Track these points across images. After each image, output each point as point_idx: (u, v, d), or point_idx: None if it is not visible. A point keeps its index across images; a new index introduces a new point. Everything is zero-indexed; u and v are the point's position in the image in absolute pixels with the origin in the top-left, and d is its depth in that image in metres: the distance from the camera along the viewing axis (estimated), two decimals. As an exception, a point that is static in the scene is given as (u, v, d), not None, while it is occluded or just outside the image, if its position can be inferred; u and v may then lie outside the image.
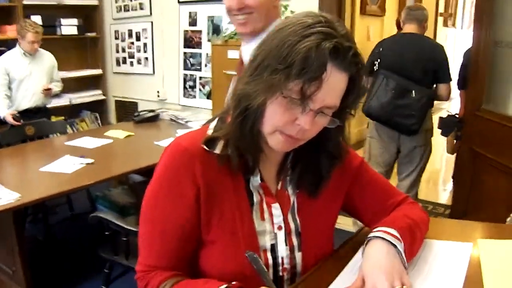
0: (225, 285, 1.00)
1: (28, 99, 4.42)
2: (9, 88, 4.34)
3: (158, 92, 5.21)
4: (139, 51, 5.41)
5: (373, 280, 1.02)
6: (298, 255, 1.17)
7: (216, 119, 1.15)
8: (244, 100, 1.00)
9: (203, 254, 1.13)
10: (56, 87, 4.71)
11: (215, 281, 1.04)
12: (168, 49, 5.13)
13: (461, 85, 3.83)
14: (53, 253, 3.84)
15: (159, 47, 5.22)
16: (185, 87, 5.03)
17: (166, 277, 1.08)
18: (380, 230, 1.12)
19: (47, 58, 4.60)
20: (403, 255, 1.08)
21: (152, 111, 4.80)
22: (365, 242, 1.13)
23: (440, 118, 3.75)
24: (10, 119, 4.21)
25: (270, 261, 1.13)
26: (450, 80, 3.45)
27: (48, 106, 4.86)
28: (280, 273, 1.15)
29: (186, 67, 4.99)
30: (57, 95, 5.03)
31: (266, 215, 1.14)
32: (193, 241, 1.11)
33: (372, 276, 1.03)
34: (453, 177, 5.31)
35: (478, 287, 1.07)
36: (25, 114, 4.35)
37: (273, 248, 1.14)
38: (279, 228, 1.15)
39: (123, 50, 5.63)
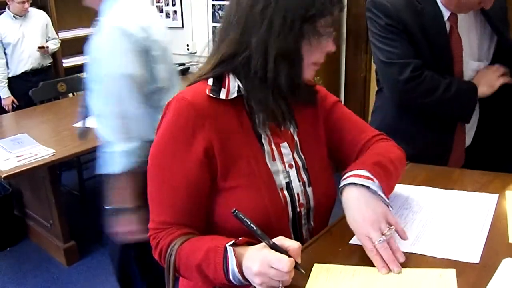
0: (232, 241, 0.99)
1: (24, 62, 4.31)
2: (5, 53, 4.25)
3: (187, 45, 5.18)
4: (167, 4, 5.35)
5: (362, 234, 1.03)
6: (309, 190, 1.21)
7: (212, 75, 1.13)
8: (286, 56, 1.05)
9: (219, 203, 1.12)
10: (54, 44, 4.59)
11: (222, 237, 1.03)
12: (196, 2, 5.04)
13: None
14: (89, 207, 3.96)
15: (187, 0, 5.15)
16: (214, 40, 4.97)
17: (176, 236, 1.08)
18: (350, 175, 1.09)
19: (39, 17, 4.44)
20: (381, 192, 1.07)
21: (182, 64, 4.82)
22: (340, 192, 1.11)
23: None
24: (9, 106, 4.28)
25: (288, 198, 1.16)
26: None
27: (78, 63, 4.83)
28: (298, 209, 1.18)
29: (215, 20, 4.93)
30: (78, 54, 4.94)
31: (276, 155, 1.16)
32: (203, 195, 1.11)
33: (360, 231, 1.04)
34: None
35: (503, 238, 1.06)
36: (23, 77, 4.32)
37: (288, 186, 1.17)
38: (290, 166, 1.18)
39: (151, 4, 5.57)
